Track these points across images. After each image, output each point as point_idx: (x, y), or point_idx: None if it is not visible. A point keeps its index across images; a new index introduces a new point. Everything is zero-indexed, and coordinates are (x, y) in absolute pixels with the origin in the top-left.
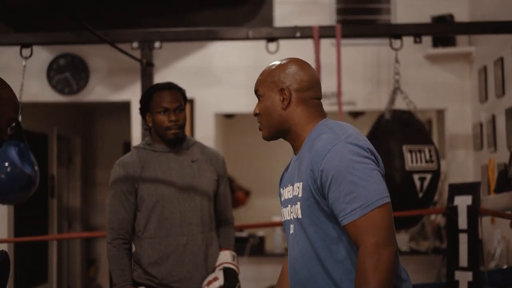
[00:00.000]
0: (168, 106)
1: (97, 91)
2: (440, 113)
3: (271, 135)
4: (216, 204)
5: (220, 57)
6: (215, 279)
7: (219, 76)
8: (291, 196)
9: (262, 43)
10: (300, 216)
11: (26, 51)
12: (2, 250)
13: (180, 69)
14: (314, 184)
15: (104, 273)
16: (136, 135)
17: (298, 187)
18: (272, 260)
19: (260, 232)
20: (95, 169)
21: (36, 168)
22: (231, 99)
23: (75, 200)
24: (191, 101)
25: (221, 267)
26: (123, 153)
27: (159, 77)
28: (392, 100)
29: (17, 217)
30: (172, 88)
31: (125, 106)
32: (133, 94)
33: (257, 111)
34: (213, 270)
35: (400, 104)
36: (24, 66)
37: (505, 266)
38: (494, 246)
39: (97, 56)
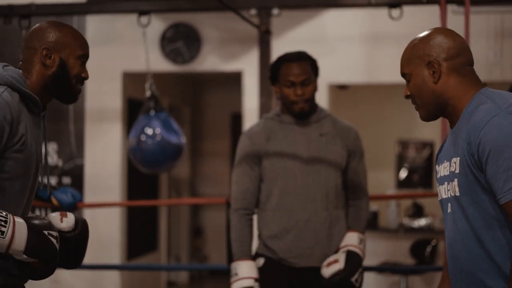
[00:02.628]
0: (294, 79)
1: (209, 61)
2: None
3: (431, 114)
4: (346, 180)
5: (334, 25)
6: (335, 261)
7: (333, 45)
8: (448, 173)
9: (378, 11)
10: (458, 194)
11: (143, 19)
12: (81, 218)
13: (293, 38)
14: (471, 158)
15: (211, 243)
16: (250, 105)
17: (455, 163)
18: (386, 236)
19: (374, 207)
20: (202, 140)
21: (181, 136)
22: (345, 70)
23: (183, 170)
24: None
25: (345, 249)
26: (231, 125)
27: (274, 46)
28: None
29: (130, 187)
30: (301, 59)
31: (235, 77)
32: (245, 64)
33: (408, 93)
34: (337, 251)
35: None
36: (144, 34)
37: None
38: None
39: (209, 25)
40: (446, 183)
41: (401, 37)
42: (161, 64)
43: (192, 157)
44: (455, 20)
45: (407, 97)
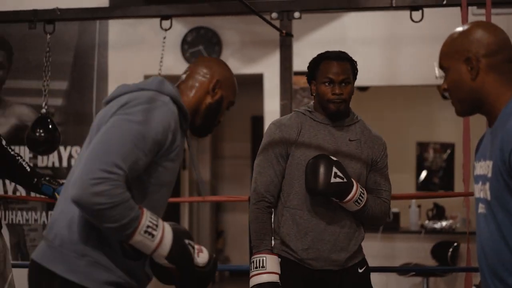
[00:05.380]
0: (333, 77)
1: (230, 64)
2: None
3: (465, 111)
4: (368, 190)
5: (355, 27)
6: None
7: (353, 48)
8: (482, 173)
9: (399, 13)
10: (489, 198)
11: (165, 23)
12: (213, 256)
13: (313, 40)
14: (503, 165)
15: (232, 245)
16: (271, 108)
17: (488, 166)
18: (407, 238)
19: (395, 208)
20: (223, 143)
21: None
22: (366, 72)
23: (204, 172)
24: None
25: None
26: (251, 128)
27: (295, 49)
28: None
29: None
30: (342, 59)
31: (256, 80)
32: (266, 67)
33: (445, 86)
34: (355, 253)
35: None
36: (164, 38)
37: None
38: None
39: (229, 29)
40: (480, 182)
41: (421, 39)
42: (182, 67)
43: (212, 160)
44: None
45: (444, 90)
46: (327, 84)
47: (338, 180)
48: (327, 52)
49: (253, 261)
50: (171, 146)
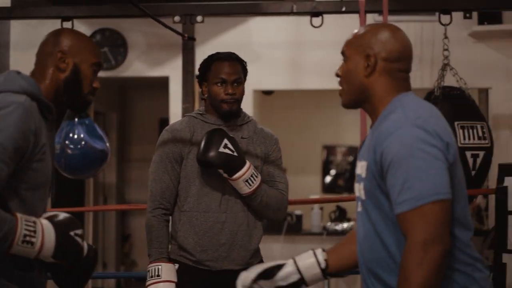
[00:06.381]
0: (225, 77)
1: (135, 67)
2: (482, 92)
3: (350, 103)
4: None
5: (260, 32)
6: None
7: (258, 52)
8: (358, 173)
9: (302, 19)
10: (363, 198)
11: (66, 25)
12: (92, 246)
13: (218, 44)
14: (375, 166)
15: (139, 248)
16: (175, 111)
17: (363, 166)
18: (309, 239)
19: (298, 211)
20: (130, 146)
21: (106, 142)
22: (270, 76)
23: (110, 176)
24: None
25: None
26: (159, 130)
27: (198, 53)
28: (441, 77)
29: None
30: (233, 59)
31: (162, 82)
32: (171, 70)
33: (339, 73)
34: (255, 251)
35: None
36: None
37: None
38: None
39: (135, 31)
40: (357, 182)
41: (324, 45)
42: None
43: (119, 163)
44: None
45: (337, 75)
46: (219, 84)
47: (227, 151)
48: (218, 53)
49: (149, 270)
50: (35, 148)
